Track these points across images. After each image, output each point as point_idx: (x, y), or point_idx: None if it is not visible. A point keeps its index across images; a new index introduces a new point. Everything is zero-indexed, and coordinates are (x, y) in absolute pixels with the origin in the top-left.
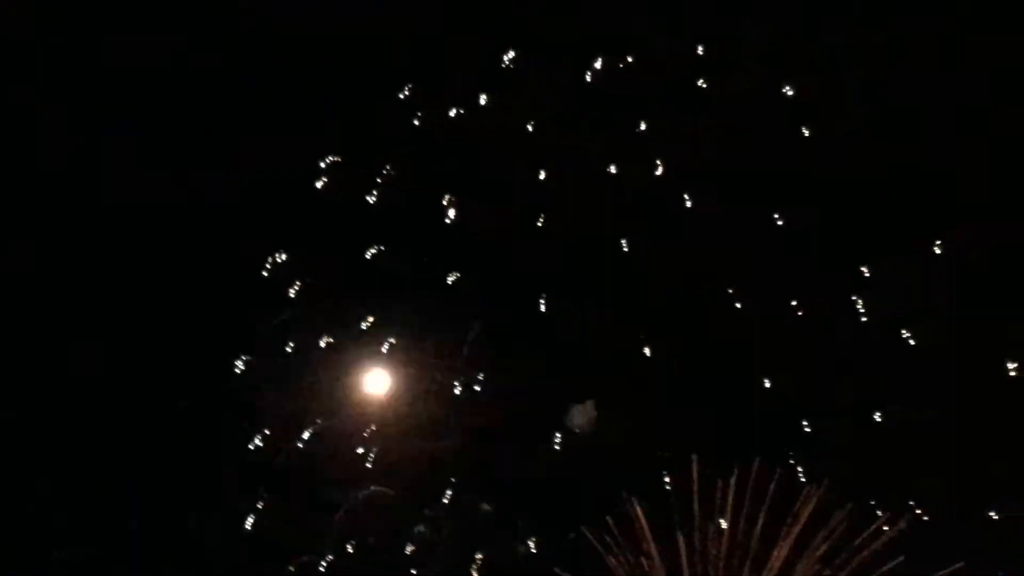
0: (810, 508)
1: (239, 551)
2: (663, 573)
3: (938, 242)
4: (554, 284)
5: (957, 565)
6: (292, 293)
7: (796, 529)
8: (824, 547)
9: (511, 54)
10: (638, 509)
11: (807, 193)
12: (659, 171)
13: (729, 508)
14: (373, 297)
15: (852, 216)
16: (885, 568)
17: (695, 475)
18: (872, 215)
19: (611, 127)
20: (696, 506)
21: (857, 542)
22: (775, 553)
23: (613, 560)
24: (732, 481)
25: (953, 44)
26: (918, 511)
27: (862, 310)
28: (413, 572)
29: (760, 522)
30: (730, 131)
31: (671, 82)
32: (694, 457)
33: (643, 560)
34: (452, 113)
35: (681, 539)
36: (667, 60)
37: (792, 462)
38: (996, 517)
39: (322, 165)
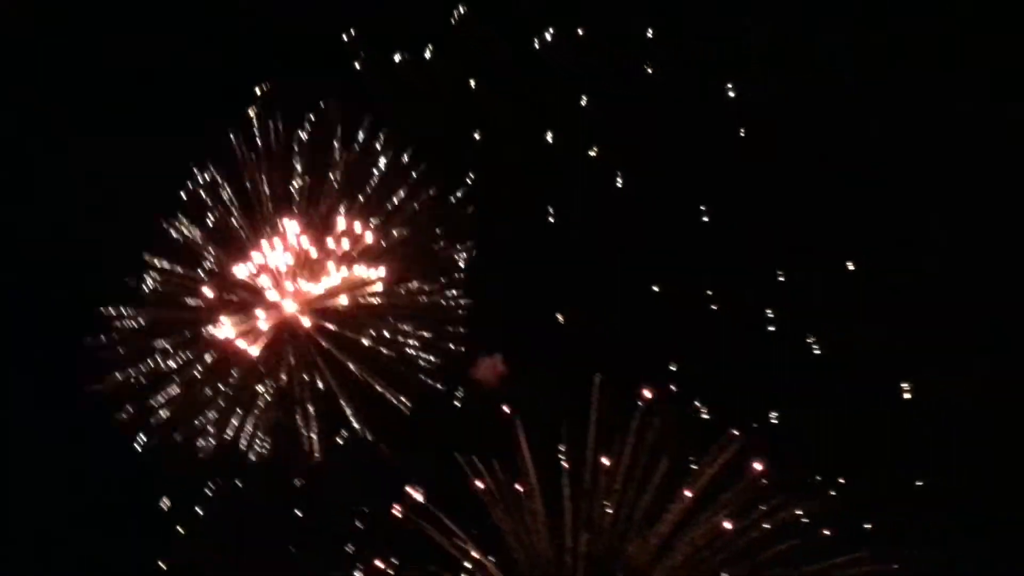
0: (713, 469)
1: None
2: (539, 499)
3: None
4: (477, 243)
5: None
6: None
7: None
8: (715, 519)
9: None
10: (521, 435)
11: (738, 190)
12: (594, 151)
13: (626, 454)
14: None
15: (778, 220)
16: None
17: (595, 398)
18: (801, 222)
19: (554, 98)
20: (592, 433)
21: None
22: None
23: (480, 483)
24: (632, 425)
25: (953, 44)
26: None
27: (771, 315)
28: (298, 512)
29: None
30: (676, 121)
31: (624, 63)
32: (596, 376)
33: (519, 485)
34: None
35: (565, 466)
36: (623, 42)
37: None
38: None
39: (257, 91)
